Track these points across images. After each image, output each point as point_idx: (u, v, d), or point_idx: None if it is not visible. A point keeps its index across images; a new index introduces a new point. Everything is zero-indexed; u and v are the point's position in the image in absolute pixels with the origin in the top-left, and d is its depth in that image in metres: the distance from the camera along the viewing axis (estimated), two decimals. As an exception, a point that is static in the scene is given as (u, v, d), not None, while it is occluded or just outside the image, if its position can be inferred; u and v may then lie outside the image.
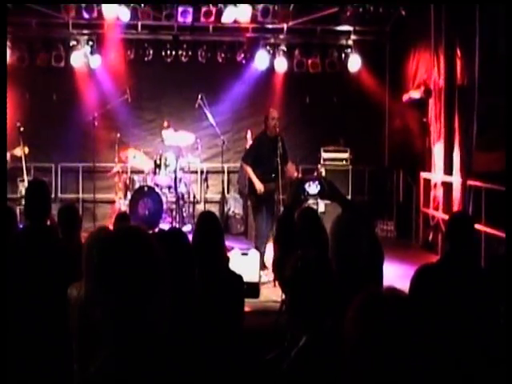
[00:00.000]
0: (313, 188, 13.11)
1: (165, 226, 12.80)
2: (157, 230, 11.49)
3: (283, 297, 6.41)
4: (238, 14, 14.27)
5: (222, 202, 14.69)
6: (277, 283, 9.05)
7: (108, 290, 2.38)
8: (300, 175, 11.45)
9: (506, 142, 7.98)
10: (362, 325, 2.57)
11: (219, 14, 14.30)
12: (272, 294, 9.12)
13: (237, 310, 4.46)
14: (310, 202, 13.59)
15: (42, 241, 5.18)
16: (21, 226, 7.35)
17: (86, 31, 14.92)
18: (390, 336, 2.51)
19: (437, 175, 12.98)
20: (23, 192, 12.85)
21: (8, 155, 11.32)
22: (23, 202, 12.53)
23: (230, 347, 4.12)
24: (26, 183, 11.95)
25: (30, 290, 4.95)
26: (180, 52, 15.12)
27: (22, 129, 11.53)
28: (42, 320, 4.92)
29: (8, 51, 14.11)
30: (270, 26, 15.02)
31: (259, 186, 10.81)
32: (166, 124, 13.63)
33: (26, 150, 11.44)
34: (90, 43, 14.88)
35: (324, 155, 14.21)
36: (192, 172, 14.75)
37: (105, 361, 2.38)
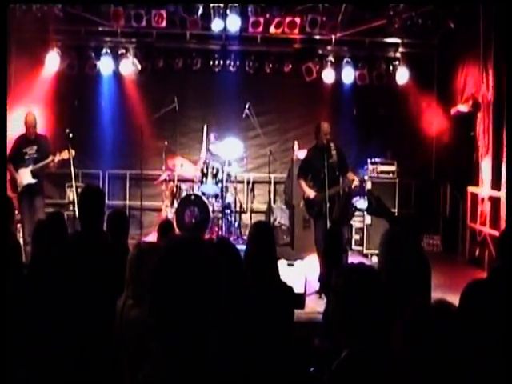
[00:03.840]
0: (360, 203, 13.13)
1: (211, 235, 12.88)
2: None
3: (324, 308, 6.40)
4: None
5: (268, 212, 14.68)
6: (323, 295, 9.05)
7: (164, 307, 2.32)
8: (361, 184, 11.19)
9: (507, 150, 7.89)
10: (414, 337, 2.57)
11: (267, 24, 14.35)
12: (317, 305, 9.09)
13: (288, 320, 4.45)
14: (357, 214, 13.66)
15: (97, 245, 5.21)
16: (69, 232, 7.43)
17: (134, 39, 15.01)
18: (441, 348, 2.51)
19: (484, 190, 12.83)
20: (71, 198, 13.02)
21: (56, 159, 11.43)
22: (71, 208, 12.84)
23: (280, 358, 4.12)
24: (74, 189, 12.01)
25: (86, 291, 5.00)
26: (228, 62, 15.21)
27: (71, 135, 11.59)
28: (92, 326, 4.96)
29: (58, 59, 14.33)
30: (317, 37, 15.01)
31: (308, 192, 10.64)
32: (212, 137, 13.74)
33: (73, 152, 11.48)
34: (139, 51, 15.01)
35: (371, 167, 14.14)
36: (238, 182, 14.82)
37: (154, 369, 2.37)
